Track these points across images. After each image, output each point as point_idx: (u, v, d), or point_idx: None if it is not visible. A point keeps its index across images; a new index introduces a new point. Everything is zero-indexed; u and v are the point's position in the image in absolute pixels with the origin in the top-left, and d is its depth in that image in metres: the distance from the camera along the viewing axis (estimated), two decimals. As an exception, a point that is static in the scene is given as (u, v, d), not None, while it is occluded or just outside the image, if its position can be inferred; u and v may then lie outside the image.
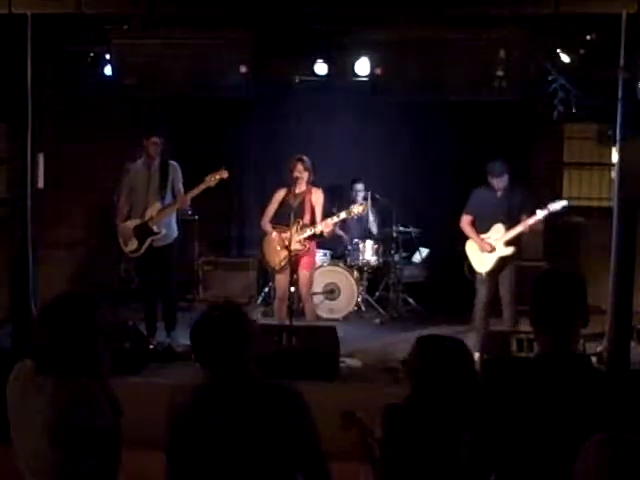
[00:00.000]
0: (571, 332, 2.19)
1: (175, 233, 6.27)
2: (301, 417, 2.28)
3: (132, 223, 6.13)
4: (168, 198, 6.11)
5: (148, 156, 6.14)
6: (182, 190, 6.14)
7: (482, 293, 6.13)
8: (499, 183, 5.98)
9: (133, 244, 6.12)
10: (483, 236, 6.11)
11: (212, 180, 5.98)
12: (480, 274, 6.15)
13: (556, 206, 5.88)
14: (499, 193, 6.03)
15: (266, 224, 6.28)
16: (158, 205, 6.07)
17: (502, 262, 6.05)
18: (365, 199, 8.00)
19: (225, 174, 6.03)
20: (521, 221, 6.00)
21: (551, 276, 2.32)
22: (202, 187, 5.99)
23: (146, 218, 6.08)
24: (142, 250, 6.09)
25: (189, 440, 2.26)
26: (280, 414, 2.24)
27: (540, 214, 5.89)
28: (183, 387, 2.37)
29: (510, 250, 6.00)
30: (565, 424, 2.06)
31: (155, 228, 6.05)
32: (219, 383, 2.28)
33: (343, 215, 6.21)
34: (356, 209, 6.21)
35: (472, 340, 6.17)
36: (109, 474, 2.41)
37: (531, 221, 5.90)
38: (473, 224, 6.16)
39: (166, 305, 6.30)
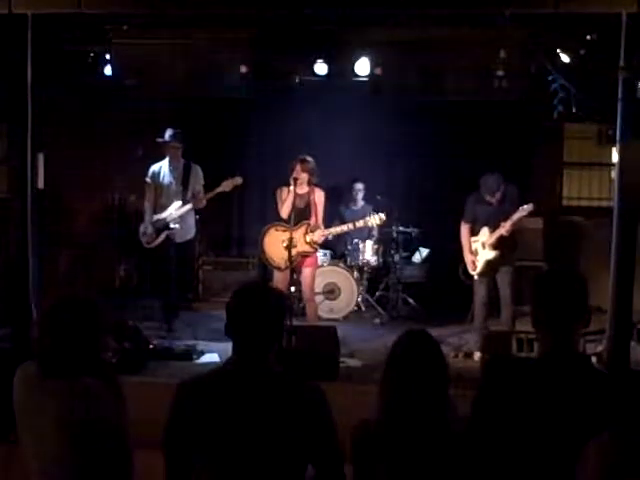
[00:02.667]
0: (572, 332, 2.19)
1: (193, 231, 6.70)
2: (319, 412, 2.26)
3: (154, 217, 6.56)
4: (188, 197, 6.51)
5: (171, 159, 6.55)
6: (201, 191, 6.55)
7: (480, 294, 6.15)
8: (492, 198, 5.99)
9: (151, 236, 6.54)
10: (474, 239, 6.16)
11: (227, 185, 6.42)
12: (473, 276, 6.20)
13: (524, 211, 5.85)
14: (493, 204, 6.04)
15: (285, 215, 6.15)
16: (178, 203, 6.48)
17: (490, 265, 6.07)
18: (365, 199, 8.02)
19: (240, 181, 6.46)
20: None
21: (552, 276, 2.32)
22: (218, 190, 6.45)
23: (166, 214, 6.50)
24: (157, 242, 6.52)
25: (196, 421, 2.22)
26: (299, 406, 2.23)
27: (515, 217, 5.89)
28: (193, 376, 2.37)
29: (493, 254, 6.01)
30: (566, 424, 2.06)
31: (171, 224, 6.48)
32: (242, 363, 2.26)
33: (360, 224, 6.25)
34: (373, 221, 6.22)
35: (472, 340, 6.20)
36: (123, 472, 2.42)
37: (508, 224, 5.91)
38: (471, 229, 6.19)
39: (178, 297, 6.75)
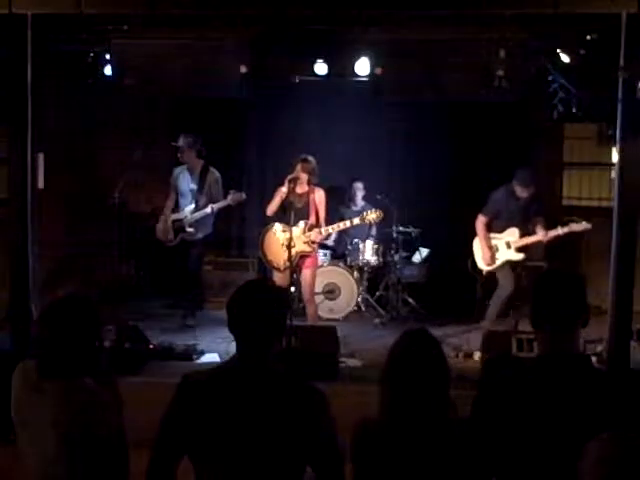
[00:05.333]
0: (571, 332, 2.19)
1: (204, 232, 6.83)
2: (320, 415, 2.26)
3: (172, 217, 6.85)
4: (202, 201, 6.69)
5: (186, 162, 6.81)
6: (219, 194, 6.74)
7: (508, 288, 6.10)
8: (523, 193, 5.97)
9: (170, 234, 6.84)
10: (496, 235, 6.10)
11: (234, 200, 6.63)
12: (481, 271, 6.20)
13: (577, 227, 5.87)
14: (521, 200, 6.02)
15: (270, 213, 6.30)
16: (192, 207, 6.73)
17: (511, 265, 6.06)
18: (365, 199, 8.03)
19: (244, 197, 6.71)
20: (534, 226, 6.01)
21: (551, 276, 2.32)
22: (224, 204, 6.67)
23: (181, 216, 6.78)
24: (175, 241, 6.82)
25: (195, 418, 2.22)
26: (300, 408, 2.23)
27: (560, 230, 5.90)
28: (197, 370, 2.38)
29: (521, 256, 6.03)
30: (566, 424, 2.06)
31: (187, 227, 6.76)
32: (244, 361, 2.26)
33: (356, 221, 6.25)
34: (370, 216, 6.21)
35: (475, 339, 6.18)
36: (119, 473, 2.42)
37: (552, 234, 5.92)
38: (488, 224, 6.16)
39: (193, 293, 7.05)
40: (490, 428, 2.15)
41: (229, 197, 6.62)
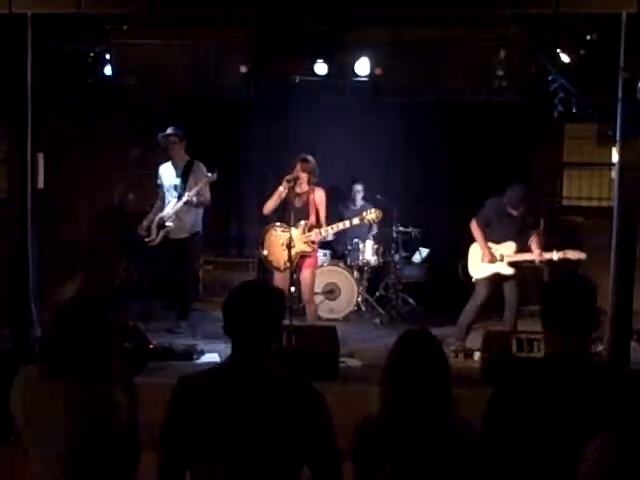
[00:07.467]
0: (583, 334, 2.22)
1: (194, 228, 6.61)
2: (318, 415, 2.26)
3: (158, 216, 6.56)
4: (187, 195, 6.42)
5: (173, 156, 6.61)
6: (206, 190, 6.51)
7: (482, 296, 6.09)
8: (514, 211, 5.94)
9: (153, 234, 6.53)
10: (492, 246, 6.06)
11: (205, 183, 6.42)
12: (472, 277, 6.19)
13: (573, 255, 5.85)
14: (515, 213, 5.99)
15: (267, 211, 6.26)
16: (174, 201, 6.50)
17: (500, 277, 6.05)
18: (364, 199, 8.02)
19: (214, 178, 6.43)
20: (527, 240, 6.01)
21: (565, 280, 2.37)
22: (197, 189, 6.40)
23: (164, 213, 6.52)
24: (157, 240, 6.49)
25: (193, 419, 2.22)
26: (298, 408, 2.23)
27: (555, 255, 5.88)
28: (193, 372, 2.37)
29: (511, 271, 5.99)
30: (576, 425, 2.07)
31: (167, 222, 6.48)
32: (241, 362, 2.26)
33: (356, 221, 6.23)
34: (370, 216, 6.20)
35: (452, 335, 6.17)
36: (128, 474, 2.42)
37: (546, 257, 5.91)
38: (482, 229, 6.14)
39: (179, 296, 6.76)
40: (500, 429, 2.16)
41: (200, 183, 6.40)
